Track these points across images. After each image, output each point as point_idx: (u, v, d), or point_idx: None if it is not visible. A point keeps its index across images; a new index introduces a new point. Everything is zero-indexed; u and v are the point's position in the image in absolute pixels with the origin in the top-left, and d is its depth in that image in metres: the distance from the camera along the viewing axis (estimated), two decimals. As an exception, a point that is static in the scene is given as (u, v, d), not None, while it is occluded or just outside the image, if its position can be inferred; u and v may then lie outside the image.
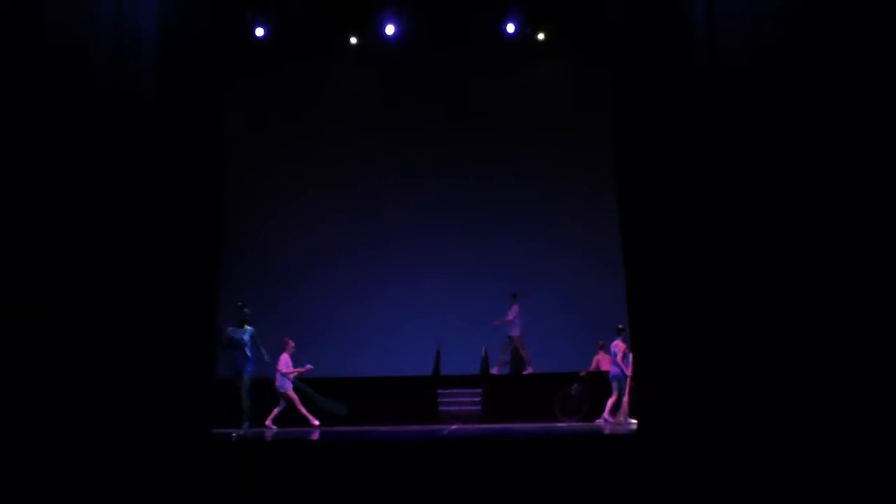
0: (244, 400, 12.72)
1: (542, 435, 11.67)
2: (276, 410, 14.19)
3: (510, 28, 16.28)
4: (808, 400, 8.47)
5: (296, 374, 14.21)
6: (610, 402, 14.28)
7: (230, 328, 12.88)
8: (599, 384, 14.67)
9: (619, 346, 14.23)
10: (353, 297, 16.51)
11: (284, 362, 14.21)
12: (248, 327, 12.94)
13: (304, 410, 14.15)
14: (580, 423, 14.28)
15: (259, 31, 16.29)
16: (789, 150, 8.93)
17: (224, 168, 10.69)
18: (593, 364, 14.90)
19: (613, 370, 14.29)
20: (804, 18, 9.01)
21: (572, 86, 16.80)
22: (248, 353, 12.84)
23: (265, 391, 13.47)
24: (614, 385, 14.31)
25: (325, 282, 16.59)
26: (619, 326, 13.85)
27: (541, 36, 16.46)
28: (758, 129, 9.11)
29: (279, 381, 14.07)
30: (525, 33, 16.39)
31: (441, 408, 15.22)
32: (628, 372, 13.75)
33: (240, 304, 13.03)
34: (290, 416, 14.09)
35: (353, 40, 16.70)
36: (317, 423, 14.15)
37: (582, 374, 14.88)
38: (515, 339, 15.96)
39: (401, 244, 16.73)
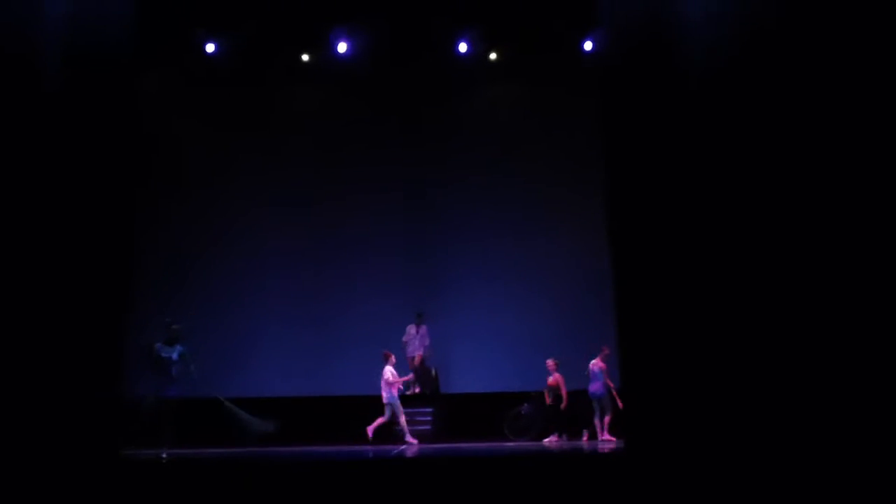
0: (160, 421, 12.19)
1: (496, 454, 11.62)
2: (380, 420, 14.34)
3: (462, 48, 16.31)
4: (803, 412, 8.46)
5: (400, 383, 14.51)
6: (607, 420, 14.34)
7: (158, 345, 12.38)
8: (552, 405, 14.74)
9: (600, 365, 14.33)
10: (306, 316, 16.34)
11: (390, 373, 14.29)
12: (177, 346, 12.44)
13: (404, 424, 14.28)
14: (530, 444, 14.27)
15: (210, 47, 16.13)
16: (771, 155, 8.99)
17: (137, 175, 10.44)
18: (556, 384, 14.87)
19: (594, 389, 14.32)
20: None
21: (528, 104, 16.89)
22: (174, 372, 12.29)
23: (197, 411, 12.82)
24: (596, 405, 14.38)
25: (276, 300, 16.41)
26: (603, 347, 14.17)
27: (493, 56, 16.51)
28: (736, 135, 9.16)
29: (386, 393, 14.18)
30: (478, 53, 16.43)
31: (396, 427, 15.13)
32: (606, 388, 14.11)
33: (168, 320, 12.64)
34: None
35: (305, 58, 16.61)
36: (414, 441, 14.20)
37: (543, 392, 14.82)
38: (412, 359, 15.80)
39: (351, 263, 16.61)
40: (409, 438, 14.25)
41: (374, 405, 14.62)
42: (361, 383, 15.28)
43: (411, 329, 15.86)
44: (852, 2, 8.87)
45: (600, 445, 13.50)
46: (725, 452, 8.52)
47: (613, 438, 13.97)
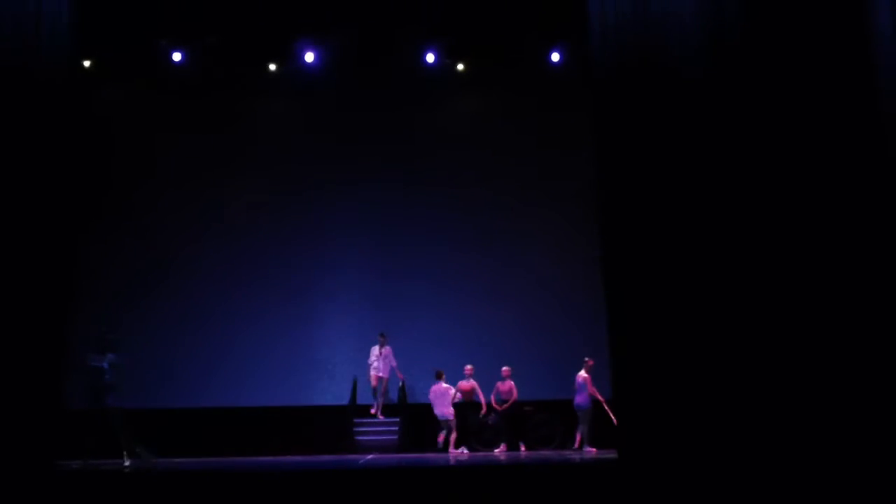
0: (117, 433, 12.05)
1: (474, 464, 11.63)
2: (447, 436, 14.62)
3: (430, 58, 16.36)
4: (798, 416, 8.50)
5: (459, 398, 14.73)
6: (584, 432, 14.45)
7: (90, 355, 12.13)
8: (515, 415, 14.86)
9: (584, 377, 14.44)
10: (271, 325, 16.25)
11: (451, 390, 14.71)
12: (108, 354, 12.17)
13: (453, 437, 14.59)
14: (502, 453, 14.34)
15: (176, 56, 16.07)
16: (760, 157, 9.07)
17: (79, 183, 10.35)
18: (505, 393, 14.95)
19: (579, 401, 14.43)
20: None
21: (496, 115, 16.92)
22: (106, 380, 12.02)
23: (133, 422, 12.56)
24: (581, 416, 14.49)
25: (241, 309, 16.30)
26: (586, 359, 14.39)
27: (460, 67, 16.58)
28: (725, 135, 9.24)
29: (444, 409, 14.55)
30: (445, 64, 16.49)
31: (357, 437, 15.10)
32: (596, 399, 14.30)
33: (103, 329, 12.48)
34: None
35: (273, 67, 16.58)
36: (466, 453, 14.30)
37: (500, 406, 14.93)
38: (379, 379, 15.62)
39: (319, 272, 16.54)
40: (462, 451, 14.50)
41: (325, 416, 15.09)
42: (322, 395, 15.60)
43: (374, 350, 15.66)
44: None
45: (583, 456, 13.49)
46: (718, 460, 8.55)
47: (594, 449, 14.06)
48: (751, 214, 9.06)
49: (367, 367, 15.66)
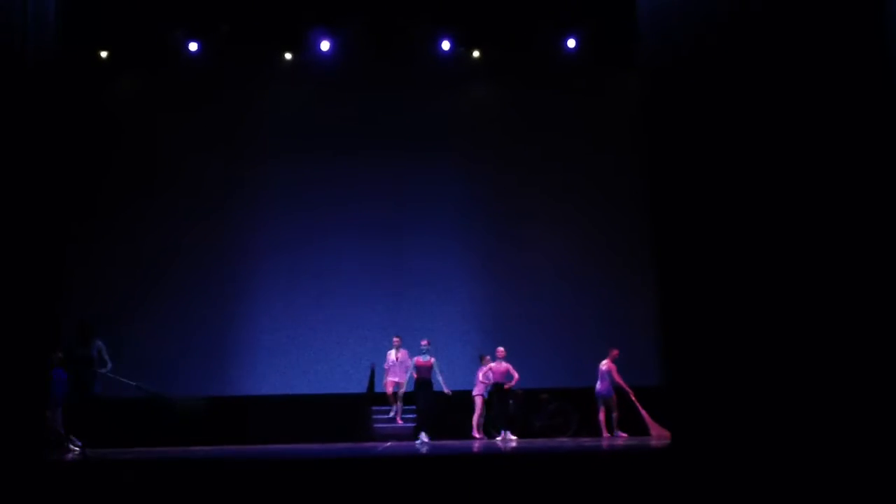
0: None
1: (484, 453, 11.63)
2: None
3: (445, 45, 16.33)
4: (856, 401, 8.29)
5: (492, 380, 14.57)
6: (616, 417, 14.62)
7: (73, 347, 11.87)
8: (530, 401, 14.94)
9: (609, 365, 14.60)
10: (289, 315, 16.31)
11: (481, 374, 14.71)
12: (96, 341, 11.85)
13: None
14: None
15: (192, 47, 16.13)
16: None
17: (67, 170, 10.27)
18: (483, 376, 14.84)
19: (600, 389, 14.57)
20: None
21: (510, 103, 16.90)
22: (97, 367, 11.77)
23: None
24: (601, 404, 14.64)
25: (258, 299, 16.37)
26: (611, 349, 14.61)
27: (476, 54, 16.52)
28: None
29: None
30: (460, 51, 16.44)
31: (375, 425, 15.12)
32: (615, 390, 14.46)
33: (81, 319, 12.17)
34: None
35: (288, 56, 16.58)
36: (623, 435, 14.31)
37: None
38: (396, 383, 15.22)
39: (337, 261, 16.57)
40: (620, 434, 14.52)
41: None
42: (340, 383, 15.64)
43: (391, 355, 15.14)
44: None
45: (609, 442, 13.55)
46: (773, 447, 8.43)
47: (625, 434, 14.37)
48: (811, 204, 8.78)
49: (384, 371, 15.21)
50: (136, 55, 16.21)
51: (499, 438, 14.30)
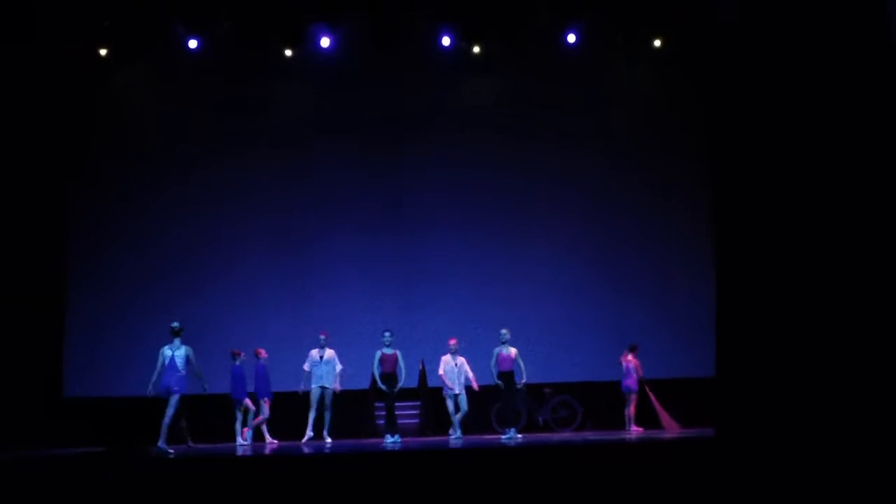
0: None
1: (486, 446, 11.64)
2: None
3: (446, 41, 16.30)
4: None
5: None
6: (631, 412, 14.86)
7: (164, 348, 12.58)
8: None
9: (632, 360, 14.90)
10: (293, 310, 16.31)
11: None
12: (182, 345, 12.55)
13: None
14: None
15: (192, 43, 16.11)
16: None
17: (66, 173, 10.18)
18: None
19: (628, 383, 14.85)
20: None
21: (512, 97, 16.87)
22: (182, 370, 12.54)
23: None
24: (628, 398, 14.91)
25: (263, 293, 16.36)
26: (633, 343, 14.99)
27: (476, 49, 16.48)
28: None
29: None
30: (461, 46, 16.41)
31: (378, 421, 15.09)
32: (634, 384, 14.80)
33: (174, 324, 12.68)
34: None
35: (288, 52, 16.53)
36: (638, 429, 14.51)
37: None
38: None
39: (334, 254, 16.54)
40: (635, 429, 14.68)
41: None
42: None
43: (447, 358, 14.41)
44: None
45: (631, 435, 13.86)
46: (820, 441, 8.32)
47: (641, 429, 14.57)
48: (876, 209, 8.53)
49: (440, 377, 14.46)
50: (136, 51, 16.16)
51: (504, 437, 14.03)
